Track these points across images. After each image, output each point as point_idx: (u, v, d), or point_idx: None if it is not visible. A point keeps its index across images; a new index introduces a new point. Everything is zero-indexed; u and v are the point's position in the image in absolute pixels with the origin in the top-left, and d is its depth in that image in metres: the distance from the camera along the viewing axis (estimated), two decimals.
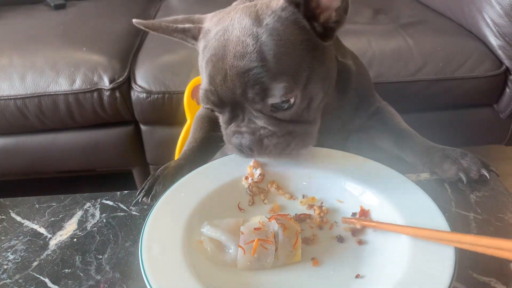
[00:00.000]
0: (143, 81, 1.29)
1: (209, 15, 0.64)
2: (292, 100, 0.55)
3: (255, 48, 0.52)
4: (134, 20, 0.68)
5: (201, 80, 0.59)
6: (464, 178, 0.61)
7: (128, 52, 1.41)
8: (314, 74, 0.56)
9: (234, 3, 0.68)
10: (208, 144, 0.74)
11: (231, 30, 0.55)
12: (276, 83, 0.52)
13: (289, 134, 0.57)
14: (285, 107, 0.55)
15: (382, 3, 1.63)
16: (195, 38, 0.62)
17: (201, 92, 0.58)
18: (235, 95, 0.54)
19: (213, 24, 0.60)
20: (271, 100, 0.54)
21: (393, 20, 1.47)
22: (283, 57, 0.53)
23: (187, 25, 0.63)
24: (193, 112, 1.04)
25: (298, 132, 0.58)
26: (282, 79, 0.53)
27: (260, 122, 0.56)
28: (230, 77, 0.53)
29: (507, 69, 1.29)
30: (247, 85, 0.53)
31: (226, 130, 0.60)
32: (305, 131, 0.59)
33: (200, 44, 0.60)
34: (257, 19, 0.54)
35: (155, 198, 0.60)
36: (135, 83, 1.30)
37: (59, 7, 1.74)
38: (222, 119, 0.60)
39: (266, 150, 0.57)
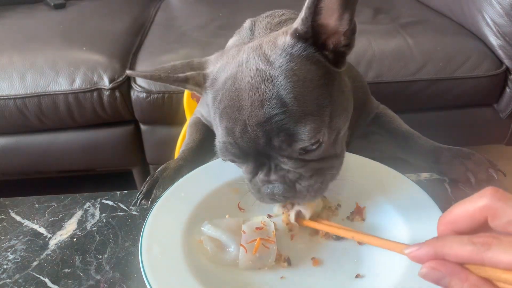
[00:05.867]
0: (143, 80, 1.29)
1: (210, 59, 0.59)
2: (321, 139, 0.50)
3: (272, 94, 0.48)
4: (127, 72, 0.63)
5: (216, 132, 0.55)
6: (472, 179, 0.60)
7: (128, 52, 1.41)
8: (336, 106, 0.52)
9: (231, 42, 0.63)
10: (206, 145, 0.73)
11: (242, 77, 0.50)
12: (302, 126, 0.48)
13: (317, 173, 0.53)
14: (315, 148, 0.50)
15: (382, 3, 1.63)
16: (199, 85, 0.57)
17: (218, 146, 0.53)
18: (258, 145, 0.50)
19: (219, 71, 0.55)
20: (300, 145, 0.49)
21: (393, 20, 1.47)
22: (303, 98, 0.49)
23: (189, 73, 0.57)
24: (193, 112, 1.04)
25: (325, 168, 0.54)
26: (307, 121, 0.48)
27: (287, 166, 0.51)
28: (250, 128, 0.49)
29: (507, 68, 1.29)
30: (270, 134, 0.48)
31: (252, 180, 0.55)
32: (331, 164, 0.55)
33: (208, 94, 0.56)
34: (268, 61, 0.50)
35: (155, 202, 0.60)
36: (135, 83, 1.30)
37: (59, 6, 1.75)
38: (245, 169, 0.55)
39: (300, 195, 0.53)
